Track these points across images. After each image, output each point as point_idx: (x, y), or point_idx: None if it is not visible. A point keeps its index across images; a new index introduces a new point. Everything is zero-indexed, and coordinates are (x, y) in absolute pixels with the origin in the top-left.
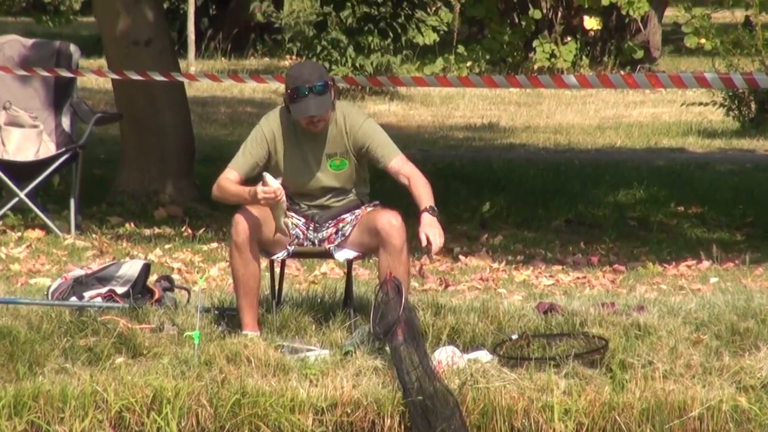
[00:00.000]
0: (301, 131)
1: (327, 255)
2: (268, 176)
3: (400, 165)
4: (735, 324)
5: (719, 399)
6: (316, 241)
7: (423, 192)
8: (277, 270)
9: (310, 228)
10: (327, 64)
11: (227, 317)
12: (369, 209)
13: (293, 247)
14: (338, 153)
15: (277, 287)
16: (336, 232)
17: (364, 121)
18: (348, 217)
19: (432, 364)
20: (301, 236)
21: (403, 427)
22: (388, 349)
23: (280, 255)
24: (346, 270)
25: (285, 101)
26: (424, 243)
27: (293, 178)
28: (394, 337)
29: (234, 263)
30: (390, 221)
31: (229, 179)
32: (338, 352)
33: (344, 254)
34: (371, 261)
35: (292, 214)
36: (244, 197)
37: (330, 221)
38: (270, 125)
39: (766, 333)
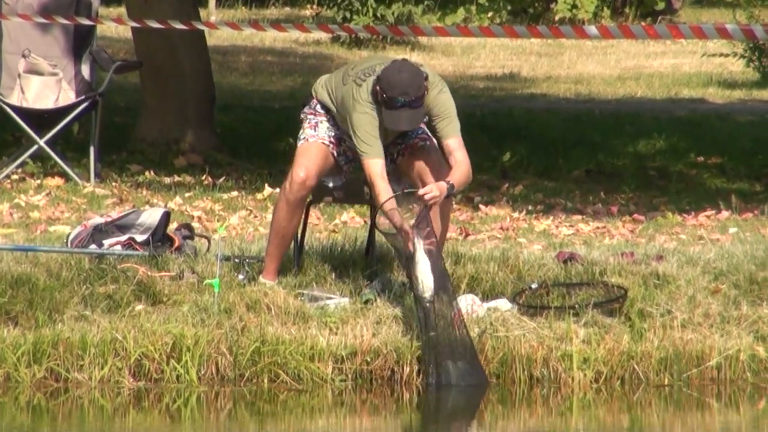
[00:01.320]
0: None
1: None
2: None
3: (455, 147)
4: (753, 274)
5: (737, 348)
6: None
7: (458, 174)
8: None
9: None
10: (348, 14)
11: (247, 266)
12: (420, 143)
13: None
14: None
15: (301, 234)
16: (384, 154)
17: (439, 92)
18: (398, 140)
19: (454, 312)
20: (350, 164)
21: (421, 374)
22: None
23: (330, 181)
24: (370, 218)
25: (377, 91)
26: (425, 194)
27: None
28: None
29: (279, 214)
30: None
31: (383, 175)
32: (358, 300)
33: (396, 187)
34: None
35: (344, 140)
36: (399, 228)
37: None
38: (374, 110)
39: None
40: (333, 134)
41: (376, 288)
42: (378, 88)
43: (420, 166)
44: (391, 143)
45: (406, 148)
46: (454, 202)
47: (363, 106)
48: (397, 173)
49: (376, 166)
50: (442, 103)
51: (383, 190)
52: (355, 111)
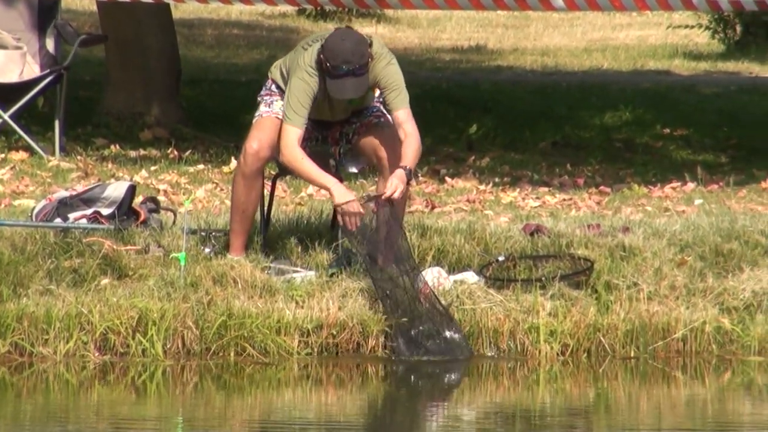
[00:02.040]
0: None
1: (336, 165)
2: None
3: (404, 119)
4: (719, 245)
5: (702, 320)
6: (320, 139)
7: (410, 153)
8: (266, 192)
9: (316, 127)
10: None
11: (214, 239)
12: (374, 120)
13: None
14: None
15: (266, 208)
16: (340, 133)
17: (387, 63)
18: (353, 119)
19: (419, 285)
20: (306, 140)
21: (387, 348)
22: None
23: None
24: None
25: (321, 60)
26: (387, 192)
27: (317, 110)
28: (381, 257)
29: (236, 189)
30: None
31: (296, 142)
32: (324, 273)
33: (353, 166)
34: (356, 183)
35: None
36: (321, 186)
37: (334, 126)
38: (314, 76)
39: (749, 255)
40: None
41: (342, 261)
42: (322, 57)
43: (376, 143)
44: (346, 122)
45: (362, 126)
46: (419, 174)
47: (302, 72)
48: (355, 152)
49: (293, 134)
50: (390, 75)
51: (297, 155)
52: (294, 75)
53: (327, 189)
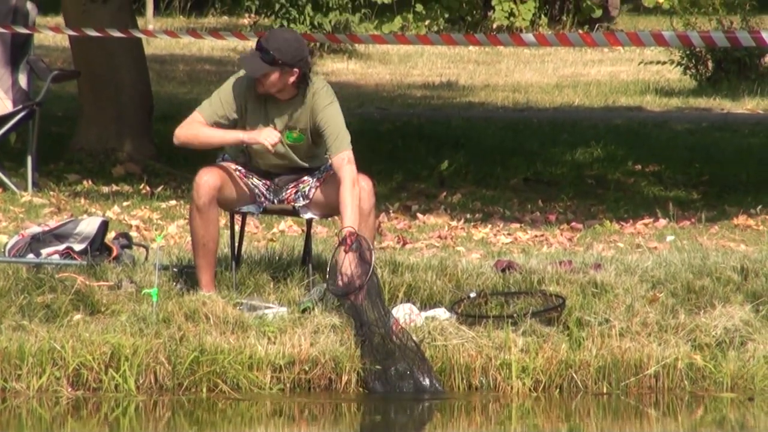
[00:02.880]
0: (270, 96)
1: (293, 213)
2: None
3: (342, 163)
4: (691, 282)
5: (675, 357)
6: (276, 202)
7: (349, 205)
8: (237, 228)
9: (270, 189)
10: (285, 23)
11: (186, 275)
12: (332, 173)
13: (264, 204)
14: (298, 127)
15: (237, 245)
16: (296, 193)
17: (328, 104)
18: (309, 179)
19: (392, 322)
20: (262, 198)
21: (360, 384)
22: (346, 307)
23: (247, 208)
24: (305, 228)
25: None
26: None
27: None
28: (355, 298)
29: (194, 224)
30: (361, 184)
31: (198, 123)
32: (296, 309)
33: (309, 214)
34: (330, 220)
35: (252, 174)
36: (228, 139)
37: (289, 183)
38: (245, 82)
39: (721, 291)
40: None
41: (314, 297)
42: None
43: (330, 194)
44: (300, 182)
45: (320, 181)
46: (390, 211)
47: (237, 74)
48: (314, 205)
49: (196, 116)
50: (331, 116)
51: (195, 126)
52: (228, 80)
53: (241, 139)
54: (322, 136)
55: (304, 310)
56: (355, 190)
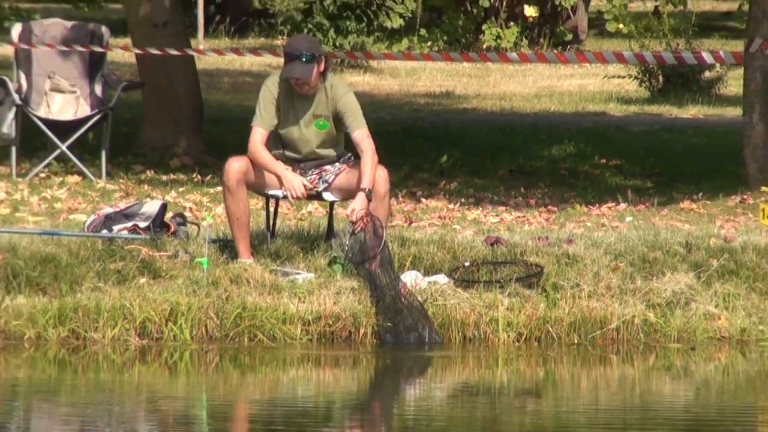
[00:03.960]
0: (295, 92)
1: (317, 197)
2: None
3: (361, 138)
4: (645, 254)
5: (632, 314)
6: None
7: (368, 172)
8: (272, 209)
9: (304, 173)
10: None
11: (230, 247)
12: (352, 162)
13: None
14: (323, 115)
15: (271, 222)
16: (319, 179)
17: (345, 93)
18: (330, 167)
19: (401, 285)
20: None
21: (374, 336)
22: (362, 273)
23: (273, 192)
24: (328, 209)
25: (284, 61)
26: (351, 217)
27: (287, 129)
28: (371, 261)
29: (227, 203)
30: (378, 172)
31: (260, 141)
32: (322, 274)
33: (330, 196)
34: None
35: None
36: (273, 172)
37: (313, 170)
38: (273, 86)
39: (670, 261)
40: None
41: (335, 246)
42: (283, 56)
43: (348, 181)
44: (323, 170)
45: (340, 170)
46: (399, 196)
47: (268, 80)
48: (334, 189)
49: (258, 134)
50: (348, 102)
51: (258, 149)
52: (261, 88)
53: (278, 175)
54: (342, 118)
55: (332, 261)
56: (375, 157)
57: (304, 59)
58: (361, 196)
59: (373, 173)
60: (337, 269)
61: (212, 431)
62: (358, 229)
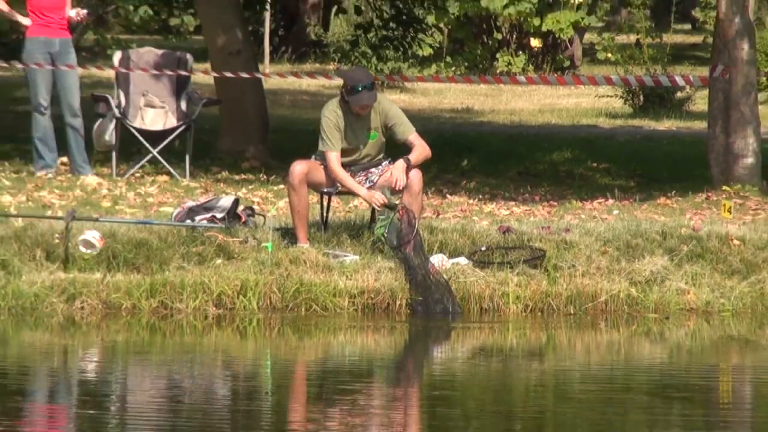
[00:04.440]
0: (351, 113)
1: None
2: (387, 196)
3: (413, 139)
4: (629, 241)
5: (618, 290)
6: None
7: (416, 152)
8: (325, 203)
9: (354, 175)
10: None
11: (290, 234)
12: (391, 164)
13: (339, 188)
14: (374, 127)
15: (324, 214)
16: (365, 179)
17: (390, 106)
18: (374, 170)
19: (430, 265)
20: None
21: (408, 308)
22: (399, 255)
23: (328, 190)
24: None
25: (342, 94)
26: (391, 180)
27: (348, 145)
28: (406, 246)
29: (290, 198)
30: (414, 173)
31: (339, 164)
32: (366, 256)
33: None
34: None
35: None
36: (356, 192)
37: (361, 172)
38: (332, 114)
39: (649, 247)
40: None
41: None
42: (342, 89)
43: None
44: (369, 173)
45: (381, 173)
46: (429, 193)
47: (326, 110)
48: (378, 189)
49: (333, 156)
50: (395, 113)
51: (339, 172)
52: (322, 116)
53: (361, 195)
54: (393, 127)
55: (380, 236)
56: (427, 150)
57: (368, 88)
58: (399, 161)
59: (420, 156)
60: (381, 234)
61: (275, 384)
62: (399, 217)
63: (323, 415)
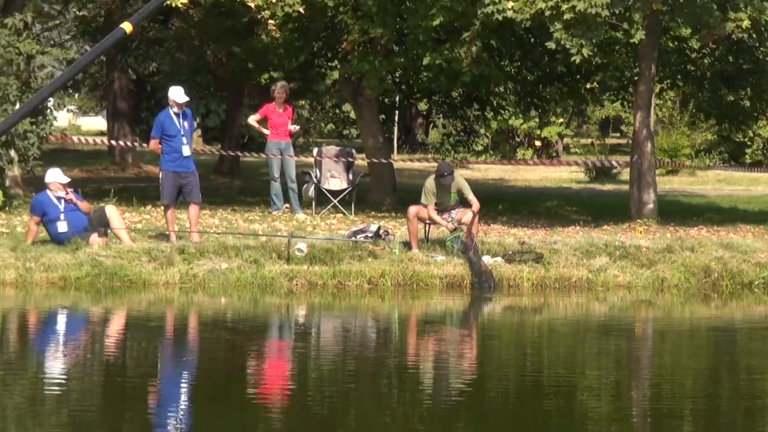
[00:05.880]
0: (440, 185)
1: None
2: (453, 225)
3: (473, 199)
4: (587, 249)
5: (581, 275)
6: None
7: (474, 206)
8: (426, 228)
9: (440, 215)
10: (449, 159)
11: (407, 245)
12: (462, 208)
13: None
14: (452, 191)
15: (426, 233)
16: (448, 215)
17: (461, 180)
18: (453, 212)
19: (482, 262)
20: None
21: (471, 285)
22: (466, 256)
23: (428, 221)
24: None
25: (436, 175)
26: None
27: (438, 200)
28: (470, 251)
29: (408, 225)
30: (474, 210)
31: (432, 209)
32: (448, 257)
33: (453, 224)
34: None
35: (434, 209)
36: (439, 222)
37: (445, 212)
38: (430, 184)
39: (597, 251)
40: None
41: (450, 239)
42: (436, 172)
43: (460, 216)
44: (449, 212)
45: (457, 213)
46: (481, 222)
47: (427, 182)
48: (455, 222)
49: (429, 207)
50: (463, 184)
51: (432, 214)
52: (424, 185)
53: (441, 224)
54: (461, 191)
55: (453, 239)
56: (478, 205)
57: (449, 173)
58: (468, 212)
59: (476, 209)
60: (450, 245)
61: (401, 319)
62: (465, 237)
63: (431, 330)
